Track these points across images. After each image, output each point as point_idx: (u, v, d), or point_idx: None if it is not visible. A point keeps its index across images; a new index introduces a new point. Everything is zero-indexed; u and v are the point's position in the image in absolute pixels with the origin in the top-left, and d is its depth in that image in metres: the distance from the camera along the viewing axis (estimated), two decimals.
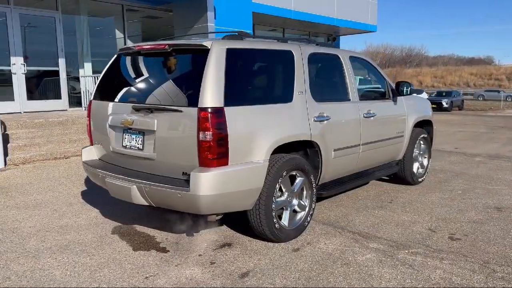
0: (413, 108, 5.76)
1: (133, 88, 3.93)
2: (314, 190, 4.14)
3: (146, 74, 3.96)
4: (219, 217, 3.61)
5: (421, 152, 6.15)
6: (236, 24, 12.99)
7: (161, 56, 3.78)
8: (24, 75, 10.62)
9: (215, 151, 3.22)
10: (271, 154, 3.66)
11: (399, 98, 5.51)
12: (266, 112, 3.62)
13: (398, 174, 5.95)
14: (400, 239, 4.04)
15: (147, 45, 3.78)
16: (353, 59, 4.99)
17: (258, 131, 3.52)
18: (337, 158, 4.43)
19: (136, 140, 3.68)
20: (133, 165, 3.82)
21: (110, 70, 4.20)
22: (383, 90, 5.47)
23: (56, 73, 11.26)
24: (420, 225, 4.41)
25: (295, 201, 4.02)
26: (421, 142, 6.09)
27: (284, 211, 3.94)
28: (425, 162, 6.25)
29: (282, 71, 4.00)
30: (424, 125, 6.22)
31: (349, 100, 4.66)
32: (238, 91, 3.47)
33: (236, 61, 3.53)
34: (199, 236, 4.11)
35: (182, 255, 3.68)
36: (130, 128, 3.71)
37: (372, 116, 4.92)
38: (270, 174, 3.66)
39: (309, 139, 4.02)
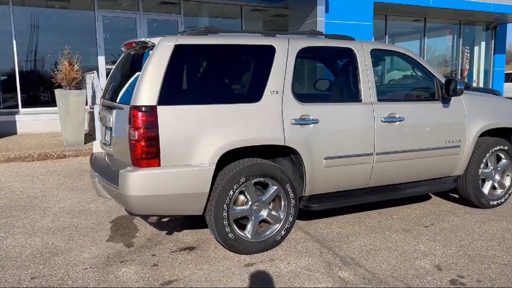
0: (480, 111, 4.59)
1: (112, 85, 4.07)
2: (293, 202, 3.67)
3: (122, 71, 4.06)
4: (167, 218, 3.50)
5: (498, 168, 4.87)
6: (352, 17, 12.28)
7: (133, 53, 3.82)
8: None
9: (143, 151, 3.13)
10: (239, 158, 3.42)
11: (455, 99, 4.46)
12: (216, 113, 3.34)
13: (461, 193, 4.84)
14: (384, 272, 3.31)
15: (126, 42, 3.87)
16: (379, 52, 4.23)
17: (203, 133, 3.28)
18: (332, 168, 3.83)
19: (107, 136, 3.81)
20: (109, 159, 3.98)
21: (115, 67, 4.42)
22: (429, 89, 4.49)
23: None
24: (430, 259, 3.53)
25: (264, 212, 3.63)
26: (501, 155, 4.82)
27: (249, 221, 3.60)
28: (506, 181, 4.93)
29: (251, 68, 3.63)
30: (507, 134, 4.91)
31: (360, 101, 3.96)
32: (179, 89, 3.30)
33: (185, 58, 3.35)
34: (175, 235, 4.05)
35: (140, 251, 3.69)
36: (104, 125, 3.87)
37: (399, 121, 4.10)
38: (222, 180, 3.39)
39: (283, 144, 3.56)
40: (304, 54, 3.81)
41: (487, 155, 4.67)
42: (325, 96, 3.92)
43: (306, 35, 4.07)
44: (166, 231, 4.14)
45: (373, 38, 15.47)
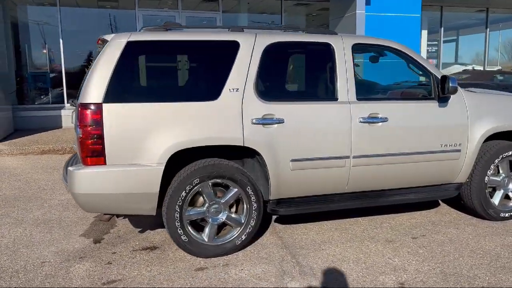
0: (487, 112, 4.09)
1: (82, 83, 4.09)
2: (255, 205, 3.50)
3: (88, 68, 4.06)
4: (121, 217, 3.49)
5: None
6: (397, 8, 11.60)
7: (99, 51, 3.82)
8: None
9: (88, 149, 3.12)
10: (197, 158, 3.33)
11: (455, 97, 4.01)
12: (168, 111, 3.25)
13: (466, 203, 4.36)
14: (332, 284, 3.05)
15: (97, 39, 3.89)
16: (363, 47, 3.90)
17: (152, 132, 3.21)
18: (300, 171, 3.59)
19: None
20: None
21: None
22: (423, 87, 4.08)
23: None
24: (397, 275, 3.20)
25: (222, 215, 3.49)
26: None
27: (207, 224, 3.48)
28: None
29: (209, 65, 3.49)
30: None
31: (335, 100, 3.68)
32: (129, 87, 3.24)
33: (137, 55, 3.30)
34: (146, 233, 4.03)
35: (104, 248, 3.72)
36: None
37: (381, 122, 3.76)
38: (176, 180, 3.31)
39: (242, 145, 3.40)
40: (273, 50, 3.59)
41: (496, 161, 4.15)
42: (295, 95, 3.68)
43: (282, 30, 3.84)
44: (140, 229, 4.13)
45: (421, 32, 14.58)
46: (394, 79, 4.99)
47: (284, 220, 4.32)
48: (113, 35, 3.30)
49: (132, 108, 3.19)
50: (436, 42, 16.03)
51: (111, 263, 3.42)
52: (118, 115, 3.15)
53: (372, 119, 3.73)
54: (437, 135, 3.93)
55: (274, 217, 4.37)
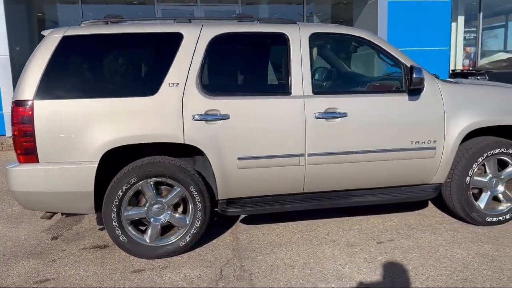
0: (468, 105, 3.68)
1: None
2: (200, 205, 3.35)
3: None
4: (65, 215, 3.45)
5: (501, 177, 3.88)
6: None
7: None
8: None
9: (21, 146, 3.09)
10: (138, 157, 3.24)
11: (429, 90, 3.64)
12: (103, 108, 3.15)
13: (448, 205, 3.98)
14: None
15: None
16: (324, 37, 3.62)
17: (86, 129, 3.13)
18: (249, 170, 3.39)
19: None
20: None
21: None
22: (392, 79, 3.73)
23: None
24: (339, 284, 2.94)
25: (165, 215, 3.37)
26: (507, 160, 3.84)
27: (149, 224, 3.38)
28: None
29: (149, 59, 3.36)
30: None
31: (289, 94, 3.43)
32: (63, 83, 3.16)
33: (73, 50, 3.21)
34: (104, 232, 3.99)
35: (56, 245, 3.71)
36: None
37: (340, 117, 3.47)
38: (114, 180, 3.22)
39: (182, 142, 3.25)
40: (220, 42, 3.40)
41: (480, 159, 3.73)
42: (243, 89, 3.44)
43: (235, 20, 3.64)
44: (102, 226, 4.09)
45: (457, 18, 13.72)
46: (379, 70, 4.65)
47: (251, 219, 4.14)
48: (50, 30, 3.24)
49: (64, 105, 3.12)
50: (475, 29, 15.00)
51: (55, 261, 3.40)
52: (50, 112, 3.10)
53: (329, 115, 3.45)
54: (406, 132, 3.58)
55: (242, 216, 4.19)
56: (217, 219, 4.15)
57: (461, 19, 14.61)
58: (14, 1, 9.78)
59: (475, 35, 15.02)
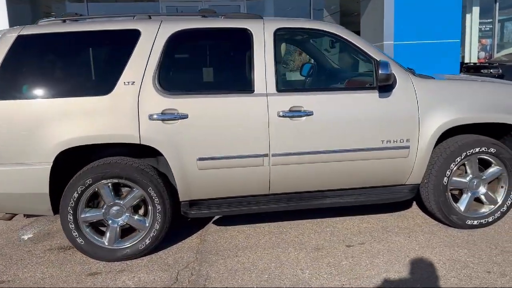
0: (444, 102, 3.48)
1: None
2: (159, 207, 3.27)
3: None
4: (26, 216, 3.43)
5: (483, 177, 3.66)
6: None
7: None
8: None
9: None
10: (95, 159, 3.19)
11: (402, 86, 3.45)
12: (56, 108, 3.09)
13: (427, 207, 3.79)
14: None
15: None
16: (290, 32, 3.47)
17: (39, 130, 3.08)
18: (210, 171, 3.29)
19: None
20: None
21: None
22: (363, 76, 3.56)
23: None
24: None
25: (124, 217, 3.30)
26: (490, 160, 3.63)
27: (108, 227, 3.32)
28: (499, 195, 3.70)
29: (105, 57, 3.28)
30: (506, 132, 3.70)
31: (251, 92, 3.31)
32: (15, 83, 3.11)
33: (27, 49, 3.16)
34: None
35: (24, 246, 3.71)
36: None
37: (305, 116, 3.33)
38: (71, 182, 3.17)
39: (138, 143, 3.17)
40: (179, 39, 3.30)
41: (459, 159, 3.53)
42: (203, 88, 3.33)
43: (199, 16, 3.52)
44: None
45: (472, 9, 13.28)
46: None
47: (224, 220, 4.05)
48: (6, 29, 3.20)
49: (18, 105, 3.08)
50: (491, 20, 14.48)
51: (17, 263, 3.38)
52: (4, 113, 3.06)
53: (294, 113, 3.31)
54: (377, 130, 3.41)
55: (216, 217, 4.10)
56: (191, 220, 4.06)
57: (476, 10, 14.12)
58: (18, 0, 9.90)
59: (491, 26, 14.49)
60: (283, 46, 3.80)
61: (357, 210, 4.12)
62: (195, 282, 2.98)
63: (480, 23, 14.33)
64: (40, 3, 11.98)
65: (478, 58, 14.39)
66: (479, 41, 14.41)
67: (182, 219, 3.90)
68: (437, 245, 3.41)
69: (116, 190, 3.34)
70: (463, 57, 14.62)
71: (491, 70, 11.09)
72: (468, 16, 14.29)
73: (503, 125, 3.65)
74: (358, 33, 12.18)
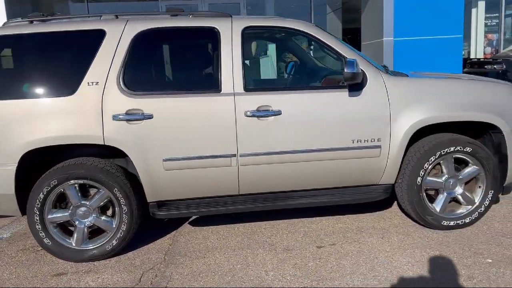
0: (415, 101, 3.39)
1: None
2: (125, 208, 3.26)
3: None
4: None
5: (460, 177, 3.57)
6: None
7: None
8: None
9: None
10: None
11: (373, 85, 3.38)
12: (20, 109, 3.10)
13: (403, 207, 3.72)
14: None
15: None
16: (259, 30, 3.43)
17: (3, 131, 3.10)
18: (176, 172, 3.26)
19: None
20: None
21: None
22: (333, 74, 3.50)
23: None
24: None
25: (91, 218, 3.30)
26: (467, 159, 3.53)
27: (75, 228, 3.32)
28: (476, 195, 3.60)
29: (70, 58, 3.26)
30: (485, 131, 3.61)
31: (219, 91, 3.27)
32: None
33: None
34: None
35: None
36: None
37: (273, 115, 3.28)
38: (37, 183, 3.18)
39: (102, 143, 3.16)
40: (145, 38, 3.28)
41: (433, 158, 3.45)
42: (169, 88, 3.29)
43: (168, 15, 3.49)
44: None
45: (477, 3, 13.04)
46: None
47: (200, 221, 4.03)
48: None
49: None
50: (497, 14, 14.18)
51: None
52: None
53: (261, 113, 3.27)
54: (347, 130, 3.35)
55: (194, 217, 4.08)
56: (167, 220, 4.05)
57: (481, 4, 13.87)
58: (17, 1, 9.99)
59: (497, 21, 14.21)
60: (253, 44, 3.74)
61: (336, 210, 4.06)
62: (157, 284, 2.96)
63: (486, 18, 14.06)
64: (42, 3, 12.07)
65: (484, 53, 14.12)
66: (485, 36, 14.13)
67: (158, 219, 3.88)
68: (409, 246, 3.33)
69: (85, 191, 3.33)
70: (468, 53, 14.36)
71: (495, 66, 10.87)
72: (473, 10, 14.03)
73: (483, 124, 3.55)
74: (359, 30, 12.04)
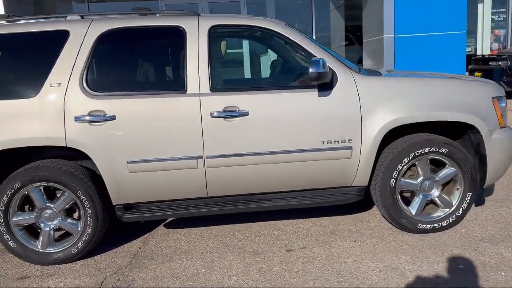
0: (388, 100, 3.29)
1: None
2: (90, 211, 3.22)
3: None
4: None
5: (436, 179, 3.46)
6: None
7: None
8: None
9: None
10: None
11: (341, 84, 3.28)
12: None
13: (379, 210, 3.62)
14: None
15: None
16: (227, 29, 3.35)
17: None
18: (141, 174, 3.21)
19: None
20: None
21: None
22: (303, 75, 3.40)
23: None
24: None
25: (56, 221, 3.27)
26: (444, 161, 3.42)
27: (41, 230, 3.29)
28: (454, 198, 3.48)
29: (33, 59, 3.21)
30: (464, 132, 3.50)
31: (184, 91, 3.21)
32: None
33: None
34: None
35: None
36: None
37: (240, 116, 3.21)
38: (1, 185, 3.16)
39: (64, 145, 3.12)
40: (109, 38, 3.24)
41: (406, 160, 3.34)
42: (133, 88, 3.21)
43: (135, 14, 3.44)
44: None
45: None
46: None
47: (174, 223, 3.98)
48: None
49: None
50: (505, 9, 13.87)
51: None
52: None
53: (228, 113, 3.19)
54: (317, 131, 3.25)
55: (170, 219, 4.03)
56: (143, 222, 4.01)
57: None
58: (18, 1, 10.06)
59: (504, 16, 13.90)
60: (223, 44, 3.67)
61: (315, 212, 3.97)
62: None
63: (493, 13, 13.75)
64: (45, 3, 12.15)
65: (490, 49, 13.82)
66: (492, 32, 13.83)
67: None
68: (380, 250, 3.23)
69: (52, 193, 3.30)
70: (475, 49, 14.08)
71: (500, 62, 10.62)
72: (480, 5, 13.74)
73: (462, 124, 3.42)
74: (360, 27, 11.87)
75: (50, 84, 3.12)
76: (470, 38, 14.06)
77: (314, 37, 12.68)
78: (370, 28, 11.19)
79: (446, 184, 3.55)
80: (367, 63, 11.52)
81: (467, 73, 11.38)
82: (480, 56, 11.73)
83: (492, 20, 13.76)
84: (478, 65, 11.14)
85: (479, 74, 10.96)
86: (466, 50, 13.58)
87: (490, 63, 10.76)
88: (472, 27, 13.91)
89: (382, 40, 10.51)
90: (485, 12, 13.64)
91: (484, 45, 13.83)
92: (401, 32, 10.58)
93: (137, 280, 3.01)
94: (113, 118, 3.12)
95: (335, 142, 3.27)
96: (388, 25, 10.44)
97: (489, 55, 11.76)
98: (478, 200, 4.08)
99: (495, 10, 13.69)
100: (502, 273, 2.82)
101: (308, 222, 3.83)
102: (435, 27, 10.62)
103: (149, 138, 3.16)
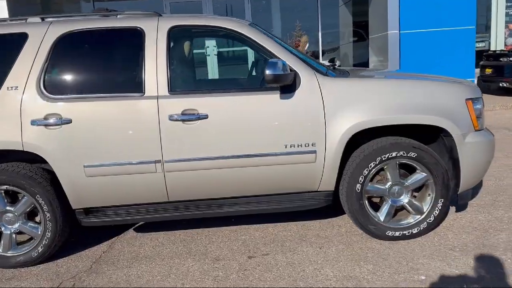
0: (354, 103, 3.16)
1: None
2: (49, 215, 3.20)
3: None
4: None
5: (405, 184, 3.31)
6: None
7: None
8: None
9: None
10: None
11: (304, 86, 3.17)
12: None
13: (347, 215, 3.50)
14: None
15: None
16: (187, 30, 3.28)
17: None
18: (99, 178, 3.17)
19: None
20: None
21: None
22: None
23: None
24: None
25: (17, 225, 3.27)
26: (414, 166, 3.27)
27: (1, 234, 3.30)
28: (425, 204, 3.34)
29: None
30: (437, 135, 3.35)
31: (142, 94, 3.15)
32: None
33: None
34: None
35: None
36: None
37: (199, 119, 3.13)
38: None
39: (21, 149, 3.11)
40: (67, 41, 3.20)
41: (372, 164, 3.21)
42: (90, 91, 3.15)
43: (96, 15, 3.39)
44: None
45: None
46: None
47: (144, 227, 3.93)
48: None
49: None
50: None
51: None
52: None
53: (186, 117, 3.12)
54: (279, 134, 3.15)
55: (141, 223, 3.99)
56: (114, 225, 3.97)
57: None
58: (25, 3, 10.20)
59: None
60: (186, 44, 3.59)
61: (288, 216, 3.86)
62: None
63: (508, 7, 13.29)
64: (52, 2, 12.30)
65: (505, 44, 13.37)
66: (506, 27, 13.37)
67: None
68: (344, 258, 3.11)
69: (15, 197, 3.29)
70: (489, 44, 13.64)
71: (511, 58, 10.25)
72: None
73: (434, 127, 3.26)
74: (367, 23, 11.64)
75: (7, 88, 3.10)
76: (485, 33, 13.63)
77: (320, 34, 12.50)
78: (376, 24, 10.95)
79: (419, 190, 3.40)
80: (372, 60, 11.29)
81: (477, 70, 11.03)
82: (492, 51, 11.35)
83: (507, 14, 13.30)
84: (489, 61, 10.79)
85: (490, 70, 10.62)
86: (480, 45, 13.16)
87: (501, 59, 10.40)
88: (486, 21, 13.49)
89: (386, 36, 10.28)
90: (499, 6, 13.19)
91: (498, 40, 13.38)
92: (407, 28, 10.32)
93: (92, 286, 2.97)
94: (69, 121, 3.09)
95: (298, 146, 3.16)
96: (393, 21, 10.19)
97: (501, 50, 11.35)
98: (463, 205, 3.90)
99: (509, 4, 13.22)
100: (464, 286, 2.67)
101: (278, 227, 3.73)
102: (442, 22, 10.32)
103: (106, 142, 3.12)
